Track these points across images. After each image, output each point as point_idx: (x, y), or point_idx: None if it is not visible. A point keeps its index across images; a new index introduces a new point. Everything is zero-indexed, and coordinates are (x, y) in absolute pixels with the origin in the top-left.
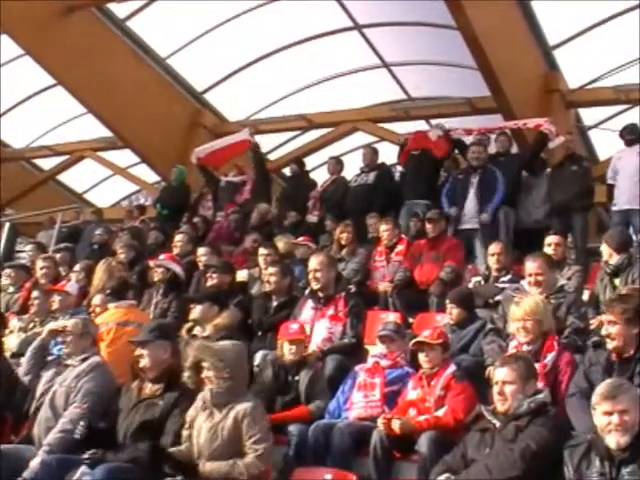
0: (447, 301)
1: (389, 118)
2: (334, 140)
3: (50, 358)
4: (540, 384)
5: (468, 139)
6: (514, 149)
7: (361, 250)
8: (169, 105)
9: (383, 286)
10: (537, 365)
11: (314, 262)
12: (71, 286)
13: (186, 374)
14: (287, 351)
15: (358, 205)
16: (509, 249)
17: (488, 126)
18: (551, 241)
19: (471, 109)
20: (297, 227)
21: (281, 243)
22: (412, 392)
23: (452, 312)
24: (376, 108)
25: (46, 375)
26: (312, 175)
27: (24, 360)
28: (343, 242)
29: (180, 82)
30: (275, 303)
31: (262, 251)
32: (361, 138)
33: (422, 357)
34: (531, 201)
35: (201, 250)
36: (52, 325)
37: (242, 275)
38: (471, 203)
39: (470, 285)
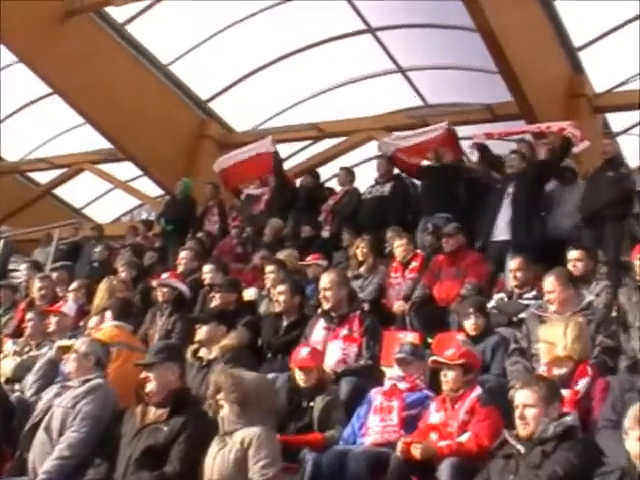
0: (469, 310)
1: (405, 126)
2: (347, 150)
3: (58, 379)
4: (568, 409)
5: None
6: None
7: (382, 267)
8: (172, 114)
9: (399, 304)
10: (568, 392)
11: (324, 280)
12: (68, 307)
13: (208, 402)
14: (298, 378)
15: (373, 218)
16: (529, 264)
17: (510, 129)
18: (571, 257)
19: (492, 115)
20: (311, 243)
21: (287, 258)
22: (434, 415)
23: (474, 321)
24: (391, 116)
25: (46, 396)
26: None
27: (28, 381)
28: (360, 257)
29: (184, 90)
30: (285, 323)
31: (269, 269)
32: (376, 148)
33: (442, 378)
34: (561, 212)
35: (206, 267)
36: (62, 342)
37: (250, 294)
38: (504, 214)
39: (493, 302)
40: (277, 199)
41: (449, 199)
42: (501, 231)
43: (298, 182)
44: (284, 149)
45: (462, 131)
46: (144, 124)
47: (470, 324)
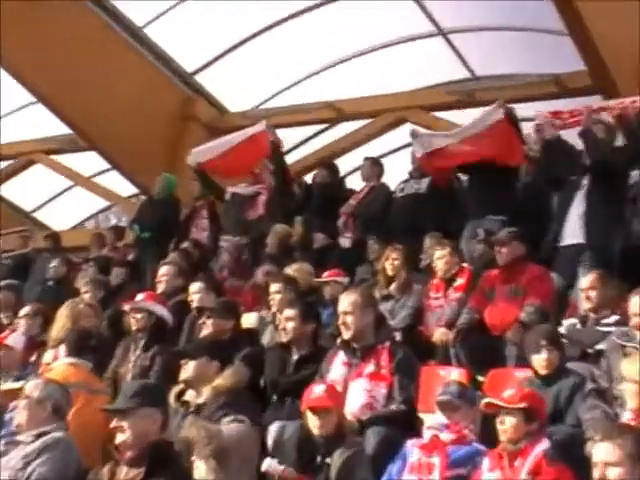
0: (540, 341)
1: (446, 104)
2: (373, 136)
3: (3, 432)
4: None
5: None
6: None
7: (417, 287)
8: (149, 91)
9: (441, 332)
10: None
11: (344, 303)
12: (15, 338)
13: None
14: (312, 424)
15: (406, 223)
16: (608, 280)
17: (584, 108)
18: None
19: (559, 89)
20: (328, 254)
21: (298, 274)
22: (488, 475)
23: (546, 356)
24: (429, 91)
25: None
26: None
27: None
28: (390, 273)
29: (164, 60)
30: (295, 357)
31: (274, 287)
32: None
33: (498, 427)
34: None
35: (194, 286)
36: (8, 385)
37: (250, 320)
38: (576, 212)
39: (562, 329)
40: (278, 200)
41: (505, 197)
42: (571, 233)
43: (310, 177)
44: (291, 135)
45: (519, 110)
46: (113, 103)
47: (541, 360)
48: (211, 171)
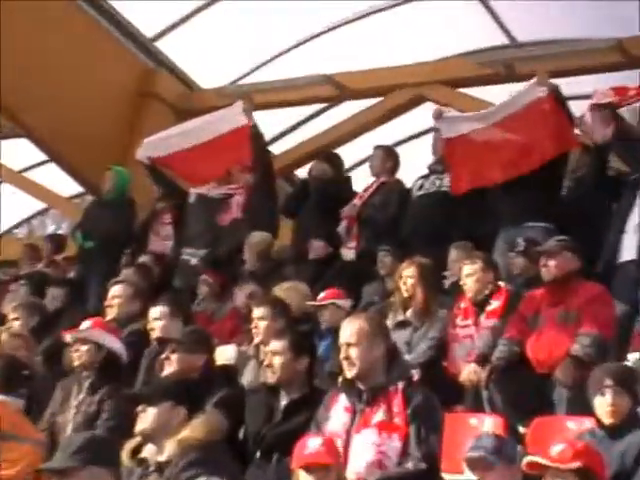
0: (605, 381)
1: (478, 78)
2: (383, 119)
3: None
4: None
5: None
6: None
7: (441, 312)
8: (98, 61)
9: (471, 370)
10: None
11: (348, 332)
12: None
13: None
14: None
15: (426, 229)
16: None
17: None
18: None
19: (622, 57)
20: (326, 269)
21: (288, 295)
22: None
23: (611, 400)
24: (456, 62)
25: None
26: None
27: None
28: (406, 293)
29: (116, 23)
30: (284, 402)
31: (258, 312)
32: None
33: None
34: None
35: (154, 311)
36: None
37: (227, 354)
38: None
39: (629, 363)
40: (260, 201)
41: (549, 197)
42: (632, 246)
43: (306, 172)
44: (279, 119)
45: (569, 86)
46: (50, 76)
47: (606, 405)
48: (169, 171)
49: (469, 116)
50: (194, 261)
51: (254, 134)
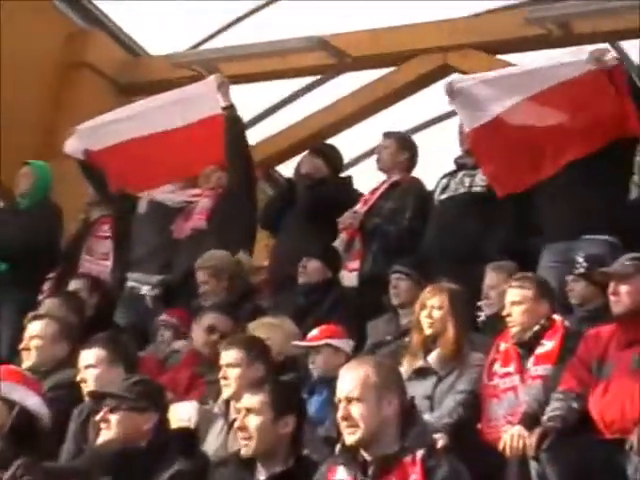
0: None
1: (524, 41)
2: (396, 96)
3: None
4: None
5: None
6: None
7: (475, 357)
8: (13, 20)
9: (514, 434)
10: None
11: (348, 383)
12: None
13: None
14: None
15: (453, 243)
16: None
17: None
18: None
19: None
20: (318, 297)
21: (268, 333)
22: None
23: None
24: (492, 19)
25: None
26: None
27: None
28: (428, 330)
29: None
30: (262, 478)
31: (227, 356)
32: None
33: None
34: None
35: (87, 356)
36: None
37: (184, 414)
38: None
39: None
40: (233, 206)
41: (613, 201)
42: None
43: (291, 168)
44: (255, 96)
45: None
46: None
47: None
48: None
49: (493, 84)
50: (144, 290)
51: (230, 118)
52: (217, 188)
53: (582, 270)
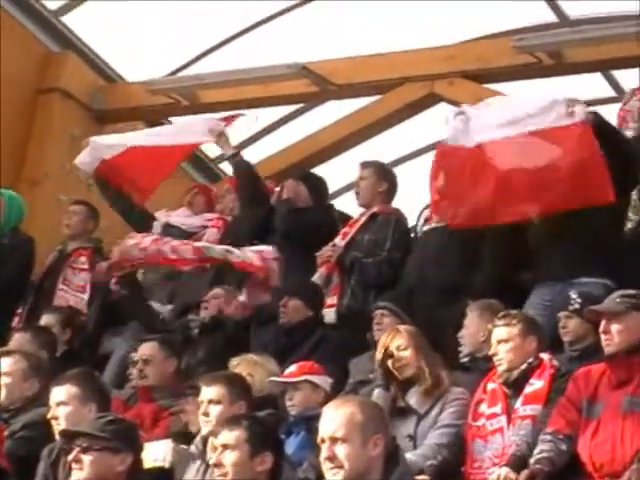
0: None
1: (514, 70)
2: (381, 126)
3: None
4: None
5: None
6: None
7: (457, 391)
8: None
9: (501, 477)
10: None
11: (333, 422)
12: None
13: None
14: None
15: (433, 275)
16: None
17: None
18: None
19: None
20: (298, 334)
21: (249, 368)
22: None
23: None
24: (483, 45)
25: None
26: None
27: None
28: (407, 372)
29: None
30: None
31: (209, 393)
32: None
33: None
34: None
35: (58, 393)
36: None
37: (158, 453)
38: None
39: None
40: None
41: (608, 246)
42: None
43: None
44: (232, 127)
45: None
46: None
47: None
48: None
49: (479, 116)
50: None
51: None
52: (228, 214)
53: (577, 306)
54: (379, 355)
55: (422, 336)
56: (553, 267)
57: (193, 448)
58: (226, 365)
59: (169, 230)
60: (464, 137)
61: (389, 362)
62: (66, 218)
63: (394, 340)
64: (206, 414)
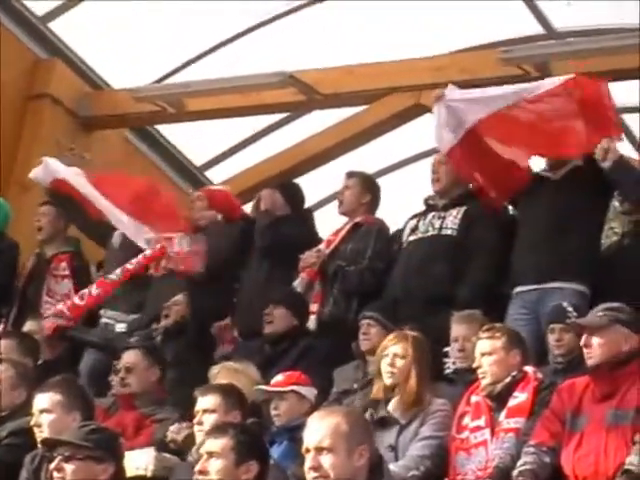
0: None
1: (500, 80)
2: (365, 136)
3: None
4: None
5: None
6: None
7: (439, 402)
8: None
9: None
10: None
11: (318, 432)
12: None
13: None
14: None
15: (419, 285)
16: None
17: None
18: None
19: None
20: (280, 342)
21: (233, 377)
22: None
23: None
24: (470, 56)
25: None
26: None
27: None
28: (390, 380)
29: None
30: None
31: (205, 403)
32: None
33: None
34: None
35: (41, 401)
36: None
37: (141, 462)
38: None
39: None
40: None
41: (585, 250)
42: None
43: (250, 207)
44: (215, 135)
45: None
46: None
47: None
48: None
49: (472, 101)
50: (119, 328)
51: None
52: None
53: (574, 319)
54: (378, 351)
55: (427, 349)
56: (529, 271)
57: (190, 458)
58: (193, 369)
59: (128, 242)
60: (461, 123)
61: (382, 362)
62: (36, 220)
63: (397, 345)
64: (200, 423)
